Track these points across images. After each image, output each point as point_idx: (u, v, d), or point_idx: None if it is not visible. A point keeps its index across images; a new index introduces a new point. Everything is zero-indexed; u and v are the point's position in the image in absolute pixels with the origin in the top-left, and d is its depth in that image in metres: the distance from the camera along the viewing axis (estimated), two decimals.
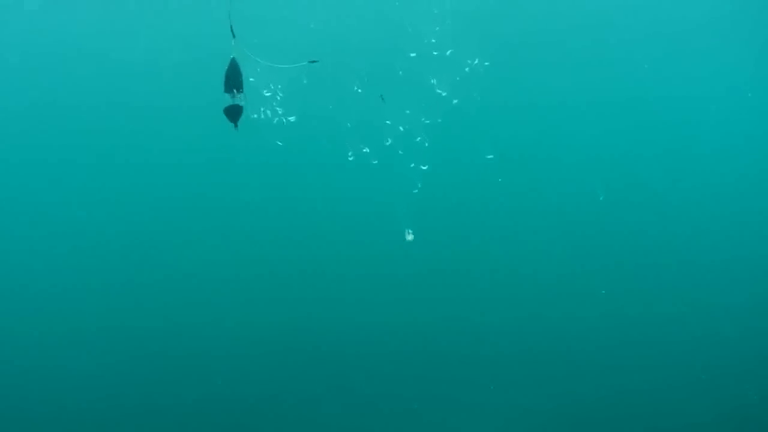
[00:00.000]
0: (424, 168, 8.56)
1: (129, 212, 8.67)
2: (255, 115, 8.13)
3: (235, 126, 6.78)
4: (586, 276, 8.86)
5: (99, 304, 8.54)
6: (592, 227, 8.97)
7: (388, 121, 8.49)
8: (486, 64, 8.37)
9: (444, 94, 8.53)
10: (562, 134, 8.94)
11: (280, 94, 8.12)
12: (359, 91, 8.49)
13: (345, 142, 8.55)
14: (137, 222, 8.68)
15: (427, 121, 8.55)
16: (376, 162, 8.54)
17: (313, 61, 7.50)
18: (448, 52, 8.35)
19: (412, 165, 8.59)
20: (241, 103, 6.78)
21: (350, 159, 8.52)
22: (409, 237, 8.37)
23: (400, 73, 8.46)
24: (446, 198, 8.87)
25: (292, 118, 8.23)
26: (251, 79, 7.55)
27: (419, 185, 8.58)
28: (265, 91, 8.01)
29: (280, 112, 8.16)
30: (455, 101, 8.50)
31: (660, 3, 8.97)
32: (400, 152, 8.52)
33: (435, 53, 8.40)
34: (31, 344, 8.45)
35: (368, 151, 8.51)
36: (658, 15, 8.94)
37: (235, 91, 6.71)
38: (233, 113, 6.73)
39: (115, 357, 8.52)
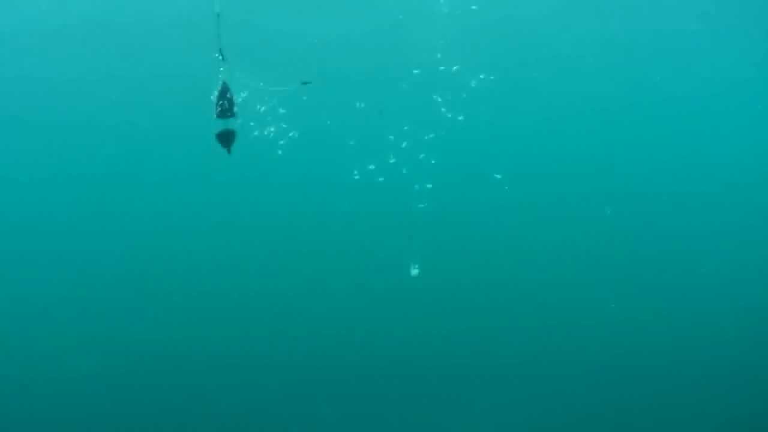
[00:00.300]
0: (430, 186, 8.38)
1: (130, 233, 8.52)
2: (256, 133, 7.92)
3: (228, 152, 6.57)
4: (595, 289, 8.74)
5: (99, 310, 8.46)
6: (602, 241, 8.84)
7: (391, 136, 8.32)
8: (492, 77, 8.18)
9: (450, 110, 8.33)
10: (569, 148, 8.79)
11: (282, 110, 7.90)
12: (362, 105, 8.31)
13: (349, 159, 8.36)
14: (138, 247, 8.54)
15: (433, 138, 8.36)
16: (382, 179, 8.35)
17: (306, 83, 7.28)
18: (455, 68, 8.16)
19: (417, 183, 8.41)
20: (234, 128, 6.57)
21: (356, 177, 8.35)
22: (414, 272, 8.22)
23: (404, 86, 8.28)
24: (453, 215, 8.72)
25: (293, 134, 8.00)
26: (243, 94, 7.34)
27: (425, 203, 8.40)
28: (263, 108, 7.78)
29: (274, 129, 7.93)
30: (461, 117, 8.30)
31: (669, 13, 8.73)
32: (404, 171, 8.34)
33: (441, 68, 8.21)
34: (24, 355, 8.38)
35: (374, 167, 8.32)
36: (668, 24, 8.76)
37: (227, 115, 6.49)
38: (226, 139, 6.52)
39: (108, 367, 8.43)
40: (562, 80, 8.61)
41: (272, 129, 7.95)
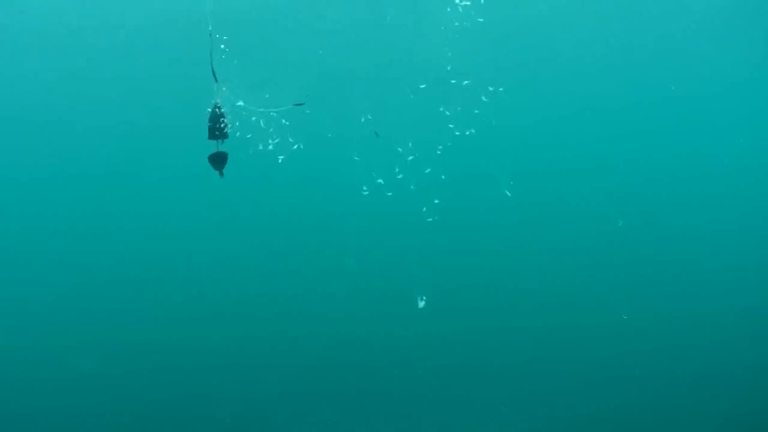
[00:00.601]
0: (437, 202, 8.21)
1: (133, 241, 8.45)
2: (261, 147, 7.77)
3: (221, 174, 6.44)
4: (607, 300, 8.62)
5: (99, 311, 8.43)
6: (614, 253, 8.70)
7: (400, 149, 8.16)
8: (501, 89, 7.94)
9: (459, 123, 8.11)
10: (580, 162, 8.66)
11: (286, 121, 7.70)
12: (370, 117, 8.12)
13: (357, 174, 8.20)
14: (137, 271, 8.49)
15: (442, 152, 8.15)
16: (391, 194, 8.18)
17: (299, 104, 7.09)
18: (465, 82, 7.97)
19: (426, 198, 8.22)
20: (227, 150, 6.43)
21: (365, 193, 8.18)
22: (421, 304, 8.10)
23: (412, 97, 8.10)
24: (462, 231, 8.61)
25: (297, 147, 7.83)
26: (240, 103, 7.21)
27: (437, 217, 8.23)
28: (264, 122, 7.59)
29: (279, 141, 7.74)
30: (472, 131, 8.08)
31: (685, 24, 8.56)
32: (412, 187, 8.17)
33: (453, 81, 8.01)
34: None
35: (382, 182, 8.16)
36: (686, 36, 8.59)
37: (218, 136, 6.35)
38: (218, 161, 6.38)
39: (108, 368, 8.39)
40: (571, 92, 8.49)
41: (277, 140, 7.76)
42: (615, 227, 8.58)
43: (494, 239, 8.66)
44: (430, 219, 8.20)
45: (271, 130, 7.66)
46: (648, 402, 8.61)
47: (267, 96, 7.41)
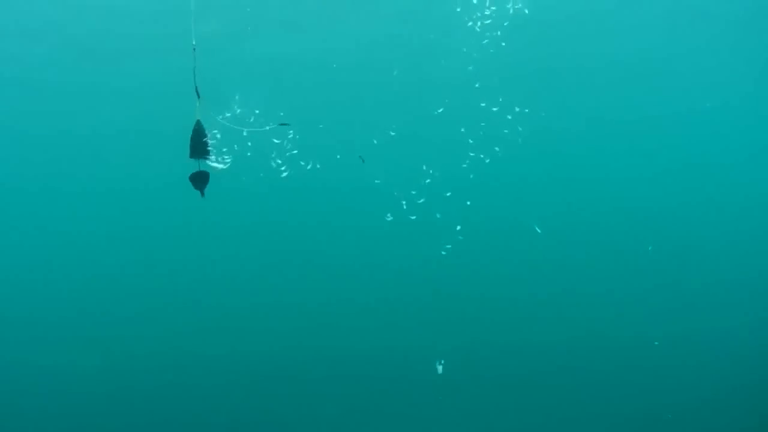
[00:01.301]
0: (458, 228, 7.83)
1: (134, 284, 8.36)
2: (274, 164, 7.55)
3: (202, 194, 6.19)
4: (639, 329, 8.31)
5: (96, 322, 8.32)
6: (646, 282, 8.36)
7: (424, 166, 7.86)
8: (526, 110, 7.69)
9: (482, 146, 7.82)
10: (606, 188, 8.39)
11: (295, 135, 7.48)
12: (393, 134, 7.89)
13: (379, 199, 7.92)
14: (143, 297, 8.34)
15: (462, 174, 7.90)
16: (414, 217, 7.84)
17: (284, 124, 6.94)
18: (494, 109, 7.72)
19: (448, 224, 7.85)
20: (209, 170, 6.18)
21: (389, 219, 7.86)
22: (440, 369, 7.92)
23: (435, 113, 7.83)
24: (481, 258, 8.28)
25: (309, 165, 7.61)
26: (251, 119, 7.16)
27: (460, 237, 7.87)
28: (275, 139, 7.39)
29: (288, 154, 7.53)
30: (496, 149, 7.81)
31: (720, 42, 8.23)
32: (438, 215, 7.83)
33: (482, 105, 7.77)
34: None
35: (405, 205, 7.84)
36: (720, 55, 8.27)
37: (200, 155, 6.11)
38: (199, 180, 6.14)
39: (108, 379, 8.26)
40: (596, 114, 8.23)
41: (295, 152, 7.53)
42: (646, 253, 8.27)
43: (518, 263, 8.35)
44: (449, 246, 7.85)
45: (289, 145, 7.51)
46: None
47: (281, 113, 7.23)
